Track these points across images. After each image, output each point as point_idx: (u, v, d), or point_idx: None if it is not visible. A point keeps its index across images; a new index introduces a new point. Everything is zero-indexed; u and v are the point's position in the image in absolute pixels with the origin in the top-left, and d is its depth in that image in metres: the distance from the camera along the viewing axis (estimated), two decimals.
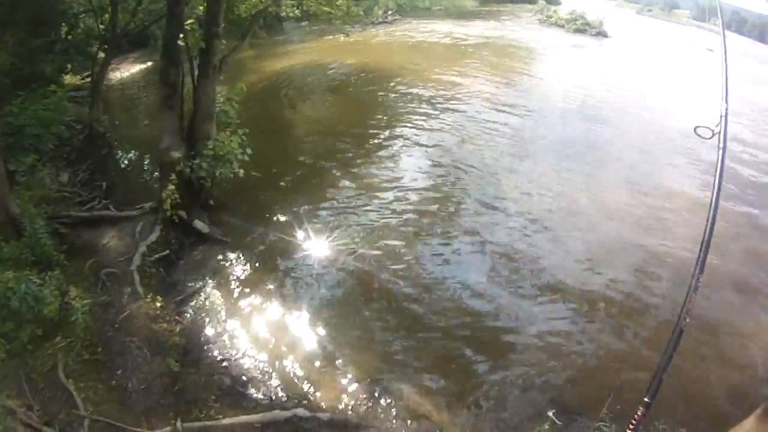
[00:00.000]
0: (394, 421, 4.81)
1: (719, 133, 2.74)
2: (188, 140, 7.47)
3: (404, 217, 8.08)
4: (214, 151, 7.25)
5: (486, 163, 10.37)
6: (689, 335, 5.67)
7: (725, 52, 3.19)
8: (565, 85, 17.47)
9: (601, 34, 31.17)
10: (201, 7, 7.43)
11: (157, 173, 7.92)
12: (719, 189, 2.58)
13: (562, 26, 31.65)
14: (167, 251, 6.63)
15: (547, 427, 4.72)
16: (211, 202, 7.71)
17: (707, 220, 2.52)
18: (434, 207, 8.45)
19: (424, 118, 12.54)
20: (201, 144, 7.35)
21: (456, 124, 12.30)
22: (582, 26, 31.19)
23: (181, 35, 6.97)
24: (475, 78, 16.62)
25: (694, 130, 2.88)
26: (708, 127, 2.79)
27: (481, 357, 5.70)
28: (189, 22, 7.11)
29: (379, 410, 4.87)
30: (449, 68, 17.24)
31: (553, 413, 4.83)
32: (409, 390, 5.12)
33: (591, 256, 7.69)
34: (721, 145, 2.70)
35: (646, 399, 2.36)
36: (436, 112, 12.97)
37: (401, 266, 6.92)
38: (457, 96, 14.50)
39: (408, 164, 10.03)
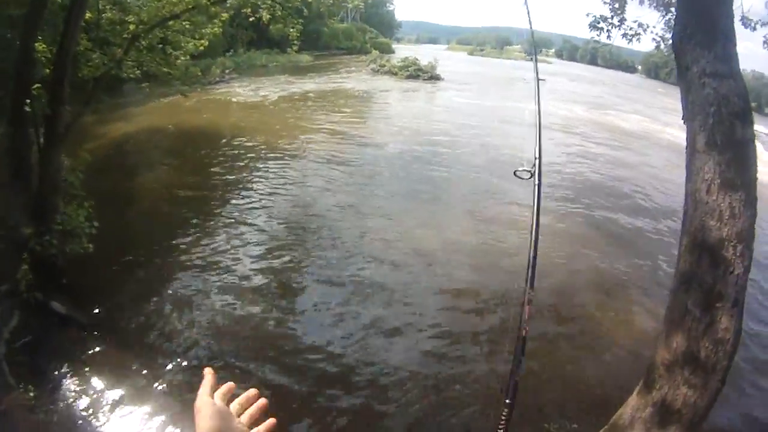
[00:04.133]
0: None
1: (535, 173, 3.19)
2: (37, 214, 6.89)
3: (256, 280, 8.26)
4: (63, 225, 6.83)
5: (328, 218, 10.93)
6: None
7: (538, 100, 3.72)
8: (398, 130, 18.88)
9: (434, 77, 33.66)
10: (47, 71, 7.01)
11: (8, 252, 7.17)
12: (538, 220, 3.02)
13: (396, 74, 33.77)
14: (30, 337, 6.03)
15: None
16: (65, 280, 7.11)
17: (530, 246, 2.97)
18: (280, 267, 8.72)
19: (263, 175, 13.08)
20: (50, 218, 6.85)
21: (295, 180, 12.95)
22: (415, 72, 33.53)
23: (27, 101, 6.53)
24: (311, 131, 17.46)
25: (514, 173, 3.27)
26: (526, 169, 3.23)
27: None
28: (35, 86, 6.68)
29: None
30: (285, 124, 17.89)
31: None
32: None
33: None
34: (537, 182, 3.16)
35: (507, 401, 2.67)
36: (273, 168, 13.56)
37: (255, 330, 7.04)
38: (297, 152, 15.20)
39: (252, 224, 10.28)
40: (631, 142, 21.92)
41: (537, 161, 3.26)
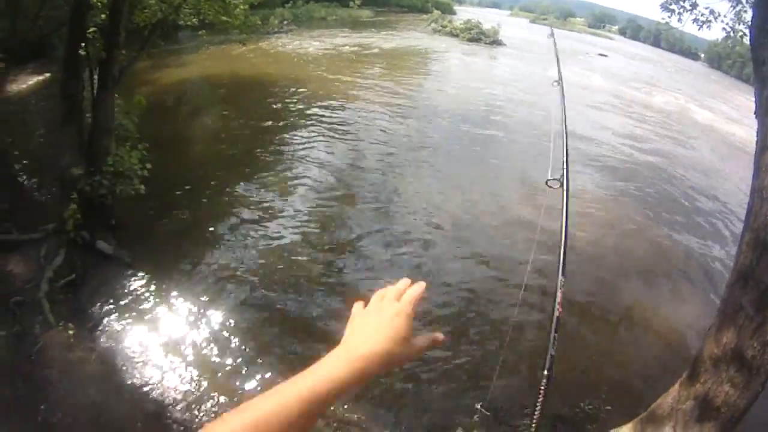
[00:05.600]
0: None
1: (563, 183, 3.32)
2: (88, 156, 7.05)
3: (303, 227, 8.20)
4: (114, 167, 6.92)
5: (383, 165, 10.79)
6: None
7: (564, 113, 3.70)
8: (455, 92, 18.40)
9: (496, 42, 32.60)
10: (103, 15, 7.06)
11: (57, 192, 7.41)
12: (567, 226, 3.24)
13: (457, 35, 32.84)
14: (73, 275, 6.21)
15: (476, 418, 4.93)
16: (113, 221, 7.28)
17: (561, 235, 3.17)
18: (325, 217, 8.67)
19: (319, 126, 12.79)
20: (101, 160, 6.96)
21: (347, 131, 12.70)
22: (477, 35, 32.48)
23: (83, 44, 6.60)
24: (367, 86, 17.10)
25: (546, 183, 3.48)
26: (556, 179, 3.39)
27: None
28: (90, 30, 6.73)
29: None
30: (345, 77, 17.60)
31: (481, 405, 5.07)
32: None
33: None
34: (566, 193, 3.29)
35: (545, 372, 2.80)
36: (325, 119, 13.27)
37: (298, 275, 6.98)
38: (354, 105, 14.86)
39: (300, 173, 10.15)
40: (675, 127, 20.82)
41: (564, 171, 3.41)
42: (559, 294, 3.05)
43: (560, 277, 3.13)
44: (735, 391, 3.49)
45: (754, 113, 3.67)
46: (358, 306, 0.84)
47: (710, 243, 10.16)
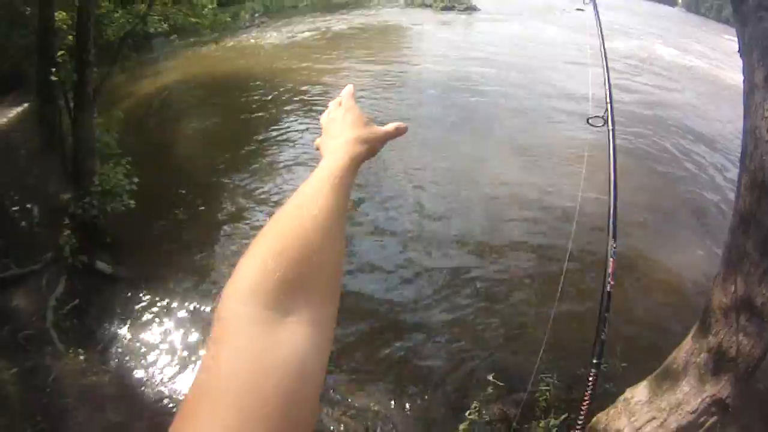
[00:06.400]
0: (340, 420, 4.87)
1: (608, 118, 3.05)
2: (74, 179, 7.03)
3: None
4: (102, 186, 6.91)
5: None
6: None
7: (602, 38, 3.47)
8: (439, 63, 18.19)
9: (471, 8, 32.03)
10: (70, 37, 6.98)
11: (49, 220, 7.38)
12: (615, 168, 2.93)
13: (430, 5, 32.29)
14: (77, 300, 6.21)
15: (491, 390, 4.98)
16: (108, 239, 7.27)
17: (609, 192, 2.88)
18: None
19: (300, 114, 12.74)
20: (87, 181, 6.96)
21: None
22: (450, 3, 31.86)
23: (53, 69, 6.54)
24: (347, 68, 16.93)
25: (587, 121, 3.17)
26: (598, 116, 3.10)
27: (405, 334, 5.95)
28: (60, 54, 6.67)
29: (324, 412, 4.89)
30: (325, 63, 17.34)
31: (493, 376, 5.12)
32: (347, 384, 5.24)
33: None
34: (611, 127, 3.03)
35: (594, 361, 2.62)
36: (312, 107, 13.09)
37: None
38: (336, 90, 14.48)
39: (293, 165, 10.04)
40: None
41: (608, 106, 3.14)
42: (610, 264, 2.71)
43: (610, 242, 2.75)
44: (749, 340, 3.44)
45: (738, 52, 3.60)
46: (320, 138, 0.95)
47: (708, 189, 10.15)
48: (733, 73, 17.43)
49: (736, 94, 3.81)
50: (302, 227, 0.60)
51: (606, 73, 3.27)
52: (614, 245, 2.73)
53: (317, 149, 0.93)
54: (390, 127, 0.95)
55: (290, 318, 0.51)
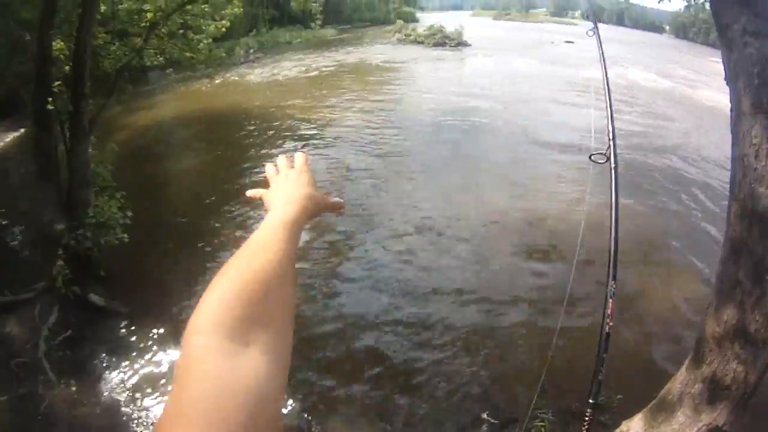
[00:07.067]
0: None
1: (611, 156, 3.09)
2: (68, 210, 7.01)
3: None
4: (96, 218, 6.89)
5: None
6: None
7: (606, 75, 3.51)
8: (430, 97, 18.52)
9: (462, 44, 32.92)
10: (67, 67, 7.05)
11: (43, 249, 7.34)
12: (617, 207, 2.97)
13: (422, 42, 33.15)
14: (69, 331, 6.13)
15: (485, 428, 4.90)
16: (102, 272, 7.20)
17: (611, 231, 2.89)
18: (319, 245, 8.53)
19: (298, 152, 12.56)
20: (82, 212, 6.94)
21: (327, 154, 12.69)
22: (441, 39, 32.86)
23: (50, 99, 6.58)
24: (344, 106, 17.17)
25: (589, 158, 3.21)
26: (601, 152, 3.14)
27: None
28: (56, 84, 6.72)
29: None
30: (318, 99, 17.69)
31: (488, 414, 5.05)
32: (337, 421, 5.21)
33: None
34: (613, 165, 3.06)
35: (590, 401, 2.60)
36: (311, 148, 13.17)
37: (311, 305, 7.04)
38: (330, 126, 14.96)
39: None
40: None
41: (611, 143, 3.14)
42: (609, 305, 2.66)
43: (610, 282, 2.69)
44: (743, 367, 3.44)
45: (725, 79, 3.65)
46: (264, 191, 0.99)
47: (699, 217, 10.23)
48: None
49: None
50: (261, 270, 0.66)
51: (609, 109, 3.30)
52: (614, 285, 2.71)
53: (253, 200, 0.99)
54: (335, 199, 1.02)
55: (249, 348, 0.56)
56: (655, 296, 7.36)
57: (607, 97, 3.39)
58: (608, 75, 3.62)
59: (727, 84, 3.59)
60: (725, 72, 3.60)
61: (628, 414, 4.26)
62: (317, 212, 0.94)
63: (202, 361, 0.53)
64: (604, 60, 3.90)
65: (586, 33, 4.29)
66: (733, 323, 3.47)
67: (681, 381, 3.88)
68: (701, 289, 7.21)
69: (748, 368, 3.44)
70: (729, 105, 3.49)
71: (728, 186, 3.65)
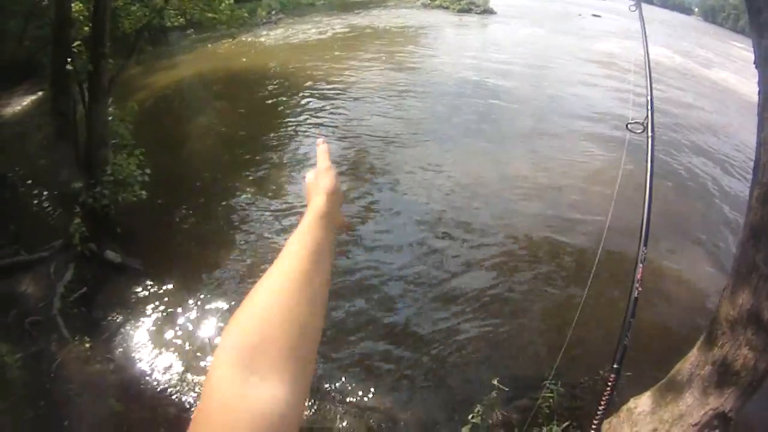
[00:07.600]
0: (344, 418, 4.86)
1: (647, 125, 3.04)
2: (86, 168, 7.08)
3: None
4: (114, 176, 6.96)
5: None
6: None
7: (647, 49, 3.43)
8: (453, 62, 18.29)
9: (487, 11, 32.12)
10: (86, 28, 7.03)
11: (60, 208, 7.45)
12: (652, 174, 2.92)
13: (447, 7, 32.38)
14: (85, 288, 6.25)
15: (494, 394, 4.94)
16: (119, 229, 7.29)
17: (645, 198, 2.87)
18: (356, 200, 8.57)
19: (316, 112, 12.66)
20: (99, 171, 7.02)
21: (349, 115, 12.55)
22: (467, 5, 32.00)
23: (69, 60, 6.59)
24: (368, 68, 16.87)
25: (626, 126, 3.18)
26: (638, 122, 3.09)
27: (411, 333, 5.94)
28: (75, 44, 6.72)
29: (327, 408, 4.92)
30: (340, 61, 17.36)
31: (498, 381, 5.08)
32: (350, 382, 5.24)
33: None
34: (650, 134, 3.00)
35: (614, 365, 2.62)
36: (327, 105, 13.14)
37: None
38: (353, 88, 14.67)
39: (305, 162, 9.94)
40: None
41: (649, 113, 3.13)
42: (639, 270, 2.72)
43: (641, 247, 2.76)
44: (753, 354, 3.39)
45: (754, 63, 3.54)
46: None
47: (720, 200, 10.05)
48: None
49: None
50: (288, 298, 0.67)
51: (648, 80, 3.24)
52: (645, 251, 2.75)
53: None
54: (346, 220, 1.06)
55: (267, 376, 0.57)
56: (670, 275, 7.29)
57: (648, 69, 3.33)
58: (648, 51, 3.55)
59: (756, 68, 3.49)
60: (755, 56, 3.49)
61: (638, 391, 4.24)
62: (341, 201, 1.00)
63: (219, 391, 0.55)
64: (645, 35, 3.82)
65: (629, 8, 4.26)
66: (747, 308, 3.42)
67: (692, 362, 3.84)
68: (717, 272, 7.19)
69: (758, 355, 3.39)
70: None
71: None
